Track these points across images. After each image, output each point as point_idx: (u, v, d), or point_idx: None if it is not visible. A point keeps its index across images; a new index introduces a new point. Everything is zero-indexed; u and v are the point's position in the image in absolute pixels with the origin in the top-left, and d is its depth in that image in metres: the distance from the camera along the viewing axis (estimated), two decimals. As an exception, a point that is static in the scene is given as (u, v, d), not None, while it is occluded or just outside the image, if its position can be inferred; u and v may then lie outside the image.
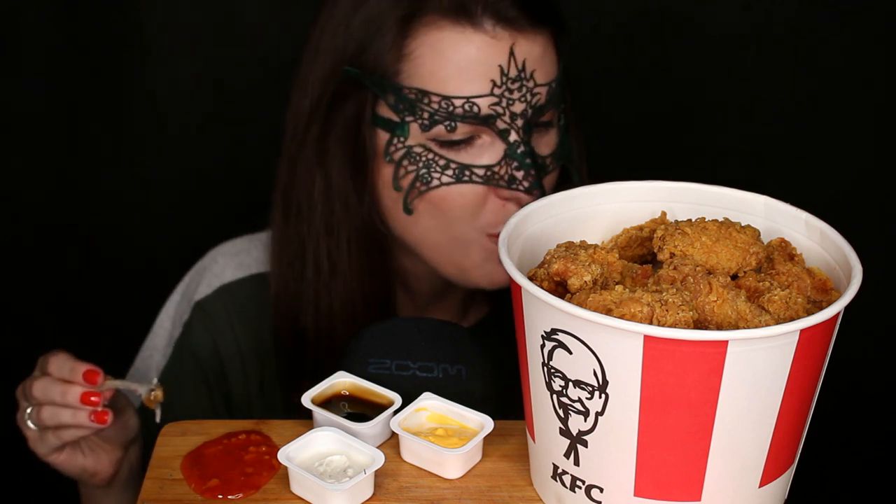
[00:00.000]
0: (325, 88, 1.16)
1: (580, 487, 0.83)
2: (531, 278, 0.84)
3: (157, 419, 1.08)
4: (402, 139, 1.13)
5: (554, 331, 0.77)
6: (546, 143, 1.16)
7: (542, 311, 0.78)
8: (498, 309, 1.27)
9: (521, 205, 1.12)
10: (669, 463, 0.78)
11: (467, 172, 1.12)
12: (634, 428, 0.77)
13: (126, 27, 1.69)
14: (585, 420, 0.79)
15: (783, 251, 0.88)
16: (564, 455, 0.82)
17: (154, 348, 1.31)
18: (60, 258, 1.79)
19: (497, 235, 1.14)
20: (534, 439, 0.87)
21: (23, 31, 1.68)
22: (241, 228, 1.37)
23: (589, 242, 0.88)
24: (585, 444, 0.80)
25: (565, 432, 0.81)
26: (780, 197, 0.92)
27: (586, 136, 1.25)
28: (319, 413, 0.92)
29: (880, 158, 1.76)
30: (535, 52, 1.12)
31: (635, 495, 0.80)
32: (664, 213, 0.93)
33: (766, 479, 0.81)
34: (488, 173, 1.12)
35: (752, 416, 0.77)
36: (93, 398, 1.02)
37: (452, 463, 0.89)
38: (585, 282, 0.81)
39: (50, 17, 1.67)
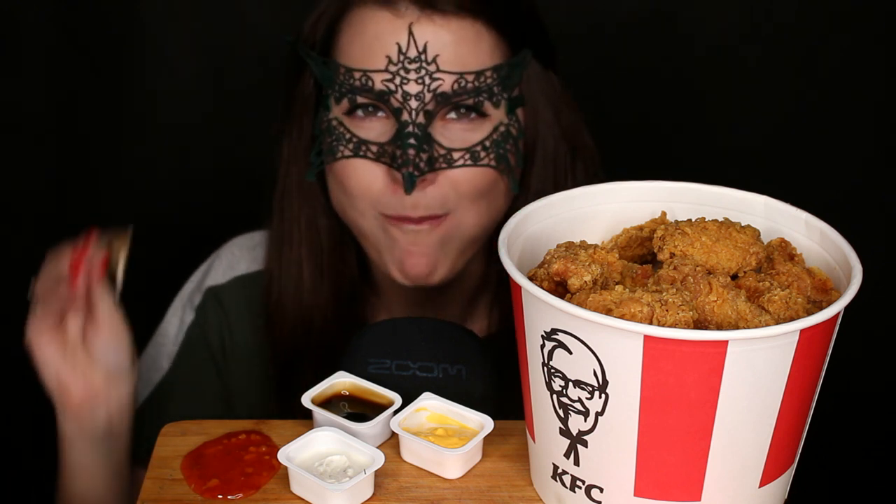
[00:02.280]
0: (287, 80, 1.22)
1: (580, 487, 0.83)
2: (531, 278, 0.84)
3: (118, 286, 1.10)
4: (326, 113, 1.16)
5: (554, 331, 0.77)
6: (459, 136, 1.15)
7: (542, 311, 0.78)
8: (506, 329, 1.27)
9: (406, 188, 1.12)
10: (669, 463, 0.78)
11: (363, 147, 1.14)
12: (634, 428, 0.77)
13: (126, 27, 1.69)
14: (585, 420, 0.79)
15: (783, 251, 0.88)
16: (564, 455, 0.82)
17: (166, 336, 1.32)
18: (60, 258, 1.79)
19: (393, 217, 1.15)
20: (534, 439, 0.87)
21: (23, 31, 1.68)
22: (241, 227, 1.38)
23: (589, 242, 0.88)
24: (585, 444, 0.80)
25: (565, 432, 0.81)
26: (780, 197, 0.92)
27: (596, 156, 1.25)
28: (319, 413, 0.92)
29: (880, 158, 1.76)
30: (443, 37, 1.12)
31: (635, 495, 0.80)
32: (664, 213, 0.93)
33: (766, 479, 0.81)
34: (380, 150, 1.14)
35: (752, 416, 0.77)
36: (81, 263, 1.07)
37: (452, 463, 0.89)
38: (585, 282, 0.81)
39: (50, 17, 1.67)
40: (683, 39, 1.72)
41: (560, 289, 0.83)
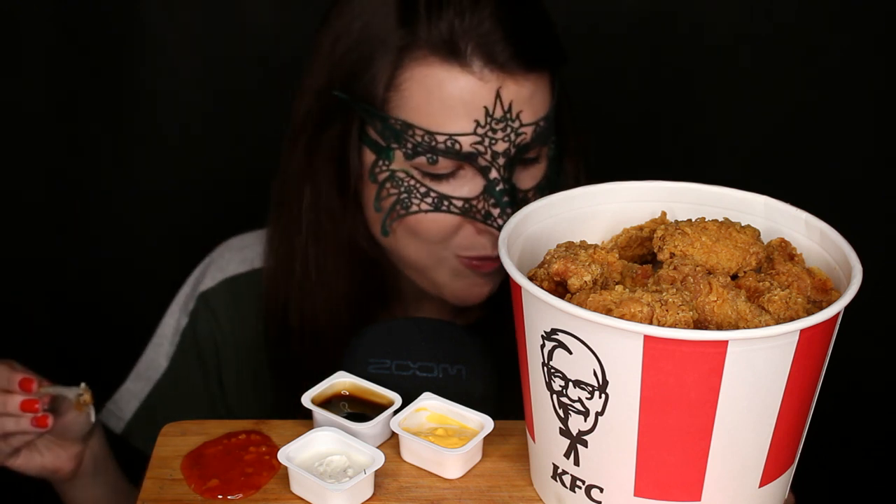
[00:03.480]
0: (317, 102, 1.18)
1: (580, 487, 0.83)
2: (531, 278, 0.84)
3: (92, 419, 1.14)
4: (386, 162, 1.14)
5: (554, 331, 0.77)
6: (530, 176, 1.17)
7: (542, 311, 0.78)
8: (491, 313, 1.28)
9: (494, 238, 1.14)
10: (669, 463, 0.78)
11: (446, 203, 1.14)
12: (634, 428, 0.77)
13: (126, 27, 1.69)
14: (585, 420, 0.79)
15: (783, 251, 0.87)
16: (564, 455, 0.82)
17: (164, 337, 1.34)
18: (60, 258, 1.79)
19: (467, 258, 1.17)
20: (534, 439, 0.87)
21: (23, 31, 1.68)
22: (241, 227, 1.38)
23: (589, 242, 0.88)
24: (585, 444, 0.80)
25: (565, 432, 0.81)
26: (780, 197, 0.92)
27: (589, 151, 1.25)
28: (319, 413, 0.92)
29: (880, 158, 1.76)
30: (523, 94, 1.12)
31: (635, 495, 0.80)
32: (664, 213, 0.93)
33: (766, 479, 0.81)
34: (466, 206, 1.14)
35: (752, 416, 0.77)
36: (34, 405, 1.07)
37: (452, 463, 0.89)
38: (585, 282, 0.81)
39: (50, 17, 1.67)
40: (683, 39, 1.72)
41: (560, 289, 0.83)
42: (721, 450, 0.77)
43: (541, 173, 1.18)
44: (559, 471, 0.84)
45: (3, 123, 1.72)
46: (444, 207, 1.14)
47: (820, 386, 0.82)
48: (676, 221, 0.89)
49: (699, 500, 0.80)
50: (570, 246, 0.86)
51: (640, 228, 0.93)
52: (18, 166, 1.75)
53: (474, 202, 1.14)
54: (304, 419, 0.96)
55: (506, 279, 0.89)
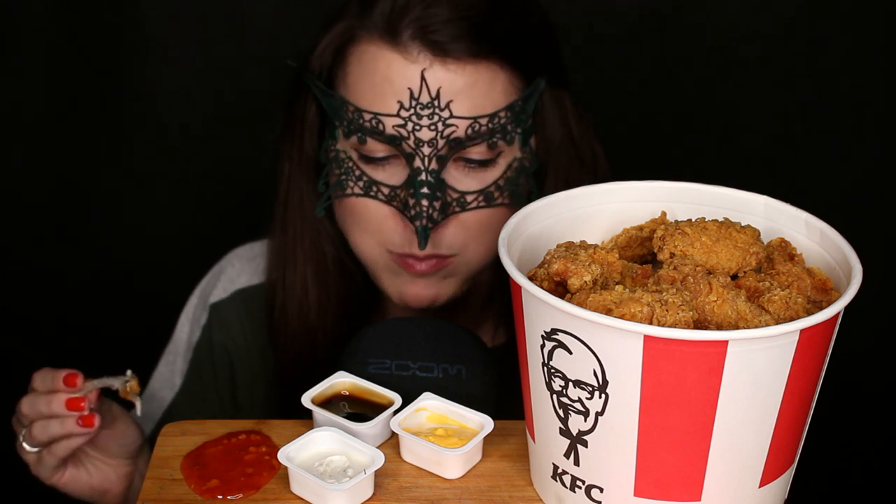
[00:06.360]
0: (289, 88, 1.19)
1: (580, 487, 0.83)
2: (531, 278, 0.84)
3: (138, 412, 1.08)
4: (333, 142, 1.14)
5: (554, 331, 0.77)
6: (475, 179, 1.13)
7: (542, 311, 0.78)
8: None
9: (416, 234, 1.11)
10: (669, 463, 0.78)
11: (374, 188, 1.13)
12: (634, 428, 0.77)
13: (126, 27, 1.69)
14: (585, 420, 0.79)
15: (783, 251, 0.87)
16: (564, 455, 0.82)
17: (177, 353, 1.32)
18: (60, 258, 1.79)
19: (398, 255, 1.15)
20: (534, 439, 0.87)
21: (23, 30, 1.68)
22: (241, 227, 1.38)
23: (589, 242, 0.88)
24: (585, 444, 0.80)
25: (565, 432, 0.81)
26: (780, 197, 0.92)
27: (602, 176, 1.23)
28: (319, 413, 0.92)
29: (880, 158, 1.76)
30: (458, 83, 1.09)
31: (635, 495, 0.80)
32: (664, 213, 0.93)
33: (766, 479, 0.81)
34: (391, 193, 1.12)
35: (752, 416, 0.77)
36: (80, 403, 1.02)
37: (452, 463, 0.89)
38: (585, 282, 0.81)
39: (50, 16, 1.67)
40: (683, 39, 1.72)
41: (560, 289, 0.83)
42: (721, 450, 0.78)
43: (490, 178, 1.13)
44: (559, 471, 0.84)
45: (3, 123, 1.72)
46: (372, 193, 1.13)
47: (820, 386, 0.82)
48: (676, 221, 0.89)
49: (699, 500, 0.80)
50: (570, 246, 0.86)
51: (640, 228, 0.93)
52: (18, 166, 1.75)
53: (398, 191, 1.11)
54: (305, 419, 0.96)
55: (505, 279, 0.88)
